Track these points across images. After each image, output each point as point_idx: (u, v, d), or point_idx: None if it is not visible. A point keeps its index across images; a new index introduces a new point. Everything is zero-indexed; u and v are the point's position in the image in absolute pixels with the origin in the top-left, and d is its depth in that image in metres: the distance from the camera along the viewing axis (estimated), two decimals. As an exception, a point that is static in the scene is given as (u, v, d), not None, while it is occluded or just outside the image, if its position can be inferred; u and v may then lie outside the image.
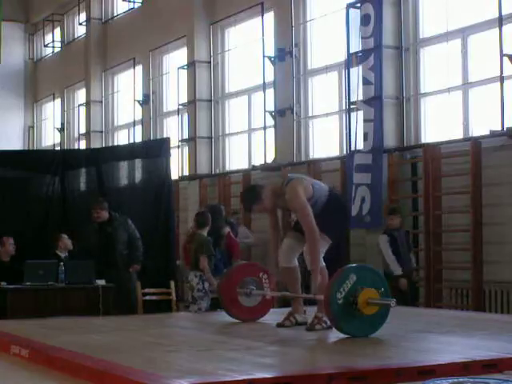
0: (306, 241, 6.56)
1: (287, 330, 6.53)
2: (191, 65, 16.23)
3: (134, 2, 19.30)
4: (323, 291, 6.25)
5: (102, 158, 11.97)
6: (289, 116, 13.91)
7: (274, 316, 6.95)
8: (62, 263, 10.08)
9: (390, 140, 11.87)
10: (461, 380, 4.12)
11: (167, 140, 12.63)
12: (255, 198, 6.67)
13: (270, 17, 14.63)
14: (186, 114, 16.60)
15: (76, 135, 21.88)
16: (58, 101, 23.18)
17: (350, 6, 12.23)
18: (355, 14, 12.07)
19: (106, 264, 10.21)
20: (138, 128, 18.73)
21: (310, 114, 13.99)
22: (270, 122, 14.39)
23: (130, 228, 10.67)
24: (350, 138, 12.22)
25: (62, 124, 22.84)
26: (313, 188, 6.62)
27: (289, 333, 6.37)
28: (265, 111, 14.45)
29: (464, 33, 11.30)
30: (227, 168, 16.06)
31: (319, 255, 6.42)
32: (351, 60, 12.20)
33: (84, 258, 10.26)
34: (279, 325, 6.67)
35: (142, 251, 10.59)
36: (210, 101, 16.23)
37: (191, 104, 16.21)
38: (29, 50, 24.73)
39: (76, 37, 22.55)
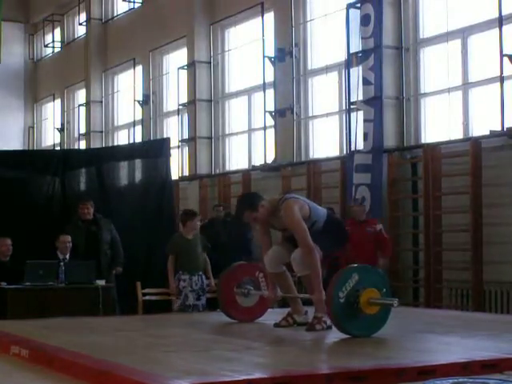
0: (294, 249, 6.55)
1: (287, 330, 6.53)
2: (191, 65, 16.23)
3: (134, 2, 19.32)
4: (320, 292, 6.27)
5: (102, 158, 11.95)
6: (289, 116, 13.92)
7: (274, 316, 6.95)
8: (62, 263, 10.07)
9: (390, 140, 11.88)
10: (461, 380, 4.12)
11: (167, 140, 12.62)
12: (250, 204, 6.65)
13: (270, 17, 14.64)
14: (186, 114, 16.60)
15: (76, 135, 21.89)
16: (58, 101, 23.19)
17: (350, 6, 12.23)
18: (355, 14, 12.08)
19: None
20: (138, 128, 18.74)
21: (310, 114, 14.00)
22: (270, 122, 14.39)
23: (112, 230, 10.70)
24: (349, 138, 12.22)
25: (62, 124, 22.85)
26: (309, 209, 6.60)
27: (288, 333, 6.37)
28: (265, 111, 14.46)
29: (464, 33, 11.30)
30: (227, 168, 16.06)
31: (319, 270, 6.40)
32: (351, 60, 12.20)
33: (71, 256, 10.28)
34: (276, 325, 6.68)
35: (122, 255, 10.65)
36: (210, 101, 16.24)
37: (191, 104, 16.21)
38: (29, 50, 24.73)
39: (76, 37, 22.56)
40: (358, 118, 12.00)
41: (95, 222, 10.62)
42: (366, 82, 11.86)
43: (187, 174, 16.37)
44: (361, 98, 11.96)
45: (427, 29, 11.96)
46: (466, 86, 11.27)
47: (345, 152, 12.78)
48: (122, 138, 20.07)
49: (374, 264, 10.04)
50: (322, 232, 6.58)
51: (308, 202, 6.73)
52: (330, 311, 5.97)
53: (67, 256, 10.34)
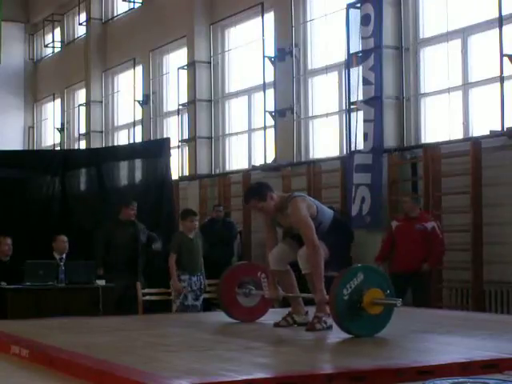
0: (300, 247, 6.53)
1: (287, 329, 6.52)
2: (191, 65, 16.23)
3: (133, 2, 19.32)
4: (321, 292, 6.26)
5: (102, 158, 11.96)
6: (289, 116, 13.91)
7: (275, 316, 6.94)
8: (62, 263, 10.07)
9: (390, 140, 11.87)
10: (461, 380, 4.11)
11: (167, 140, 12.64)
12: (258, 193, 6.61)
13: (270, 17, 14.64)
14: (186, 114, 16.60)
15: (76, 135, 21.90)
16: (58, 101, 23.19)
17: (350, 6, 12.23)
18: (355, 14, 12.08)
19: (125, 263, 10.26)
20: (138, 128, 18.75)
21: (310, 114, 13.99)
22: (270, 122, 14.39)
23: (146, 232, 10.70)
24: (349, 138, 12.22)
25: (62, 124, 22.85)
26: (317, 210, 6.57)
27: (289, 333, 6.37)
28: (265, 111, 14.46)
29: (464, 33, 11.30)
30: (227, 168, 16.06)
31: (321, 270, 6.38)
32: (351, 60, 12.20)
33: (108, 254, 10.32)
34: (276, 324, 6.67)
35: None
36: (210, 101, 16.24)
37: (191, 104, 16.21)
38: (29, 50, 24.73)
39: (76, 37, 22.56)
40: (358, 118, 12.00)
41: (133, 225, 10.61)
42: (366, 82, 11.86)
43: (187, 174, 16.37)
44: (361, 97, 11.96)
45: (427, 29, 11.95)
46: (466, 86, 11.26)
47: (345, 152, 12.78)
48: (122, 138, 20.08)
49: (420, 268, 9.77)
50: (328, 234, 6.56)
51: (316, 203, 6.70)
52: (333, 308, 5.96)
53: (64, 256, 10.35)
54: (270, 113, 14.31)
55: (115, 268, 10.29)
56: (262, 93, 14.63)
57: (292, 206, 6.46)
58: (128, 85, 19.44)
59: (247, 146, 15.61)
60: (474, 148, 10.51)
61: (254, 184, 7.44)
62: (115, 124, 20.62)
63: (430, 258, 9.83)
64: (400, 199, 11.74)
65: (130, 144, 17.53)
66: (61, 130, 22.79)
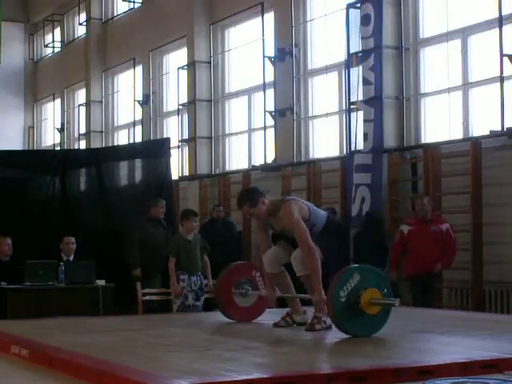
0: (293, 249, 6.55)
1: (286, 330, 6.53)
2: (191, 65, 16.24)
3: (133, 2, 19.33)
4: (320, 293, 6.27)
5: (102, 158, 11.95)
6: (289, 116, 13.92)
7: (272, 316, 6.94)
8: (61, 263, 10.06)
9: (390, 140, 11.88)
10: (461, 380, 4.11)
11: (167, 140, 12.63)
12: (251, 199, 6.65)
13: (270, 17, 14.64)
14: (186, 114, 16.61)
15: (76, 135, 21.90)
16: (58, 101, 23.19)
17: (350, 6, 12.23)
18: (355, 14, 12.09)
19: (160, 262, 10.26)
20: (138, 128, 18.76)
21: (310, 114, 14.00)
22: (270, 122, 14.39)
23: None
24: (349, 138, 12.22)
25: (62, 124, 22.86)
26: (309, 212, 6.59)
27: (288, 333, 6.37)
28: (265, 111, 14.46)
29: (464, 33, 11.31)
30: (227, 168, 16.07)
31: (319, 271, 6.38)
32: (351, 60, 12.20)
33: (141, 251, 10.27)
34: (275, 325, 6.68)
35: None
36: (210, 101, 16.24)
37: (191, 104, 16.22)
38: (29, 50, 24.74)
39: (76, 37, 22.57)
40: (358, 118, 12.00)
41: (161, 223, 10.61)
42: (366, 82, 11.86)
43: (187, 174, 16.37)
44: (361, 98, 11.96)
45: (427, 29, 11.96)
46: (466, 86, 11.27)
47: (345, 152, 12.78)
48: (122, 138, 20.08)
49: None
50: (321, 236, 6.57)
51: (308, 205, 6.71)
52: (330, 310, 5.96)
53: (71, 257, 10.34)
54: (270, 113, 14.31)
55: (148, 268, 10.29)
56: (261, 93, 14.64)
57: (284, 209, 6.49)
58: (128, 85, 19.45)
59: (247, 146, 15.62)
60: (473, 148, 10.51)
61: (245, 190, 7.47)
62: (115, 124, 20.62)
63: (444, 258, 9.83)
64: (401, 200, 11.78)
65: (130, 144, 17.53)
66: (61, 130, 22.79)
